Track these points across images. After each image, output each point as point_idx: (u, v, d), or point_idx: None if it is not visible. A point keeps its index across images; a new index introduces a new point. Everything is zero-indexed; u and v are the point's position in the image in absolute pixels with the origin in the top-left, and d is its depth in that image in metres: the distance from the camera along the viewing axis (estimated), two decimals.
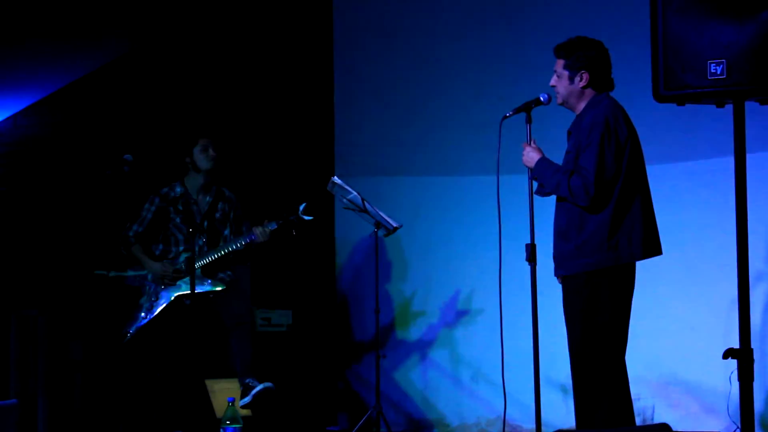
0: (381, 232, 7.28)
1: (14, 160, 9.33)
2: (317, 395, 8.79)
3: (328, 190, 7.27)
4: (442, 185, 8.56)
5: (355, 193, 7.15)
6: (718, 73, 5.93)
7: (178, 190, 7.72)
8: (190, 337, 7.56)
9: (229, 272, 7.66)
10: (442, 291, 8.54)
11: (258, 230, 7.38)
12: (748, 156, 6.22)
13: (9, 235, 9.38)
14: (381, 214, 7.17)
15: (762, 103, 6.25)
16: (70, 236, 8.97)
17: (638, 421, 6.93)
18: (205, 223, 7.65)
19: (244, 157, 8.98)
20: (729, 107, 6.24)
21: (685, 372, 7.53)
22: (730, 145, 6.26)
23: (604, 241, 5.71)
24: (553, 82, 5.98)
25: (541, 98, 6.06)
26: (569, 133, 5.93)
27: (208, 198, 7.70)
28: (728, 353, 6.19)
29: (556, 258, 5.91)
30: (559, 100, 5.99)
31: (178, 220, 7.67)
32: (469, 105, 8.43)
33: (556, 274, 5.93)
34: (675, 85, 6.02)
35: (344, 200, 7.22)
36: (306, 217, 7.20)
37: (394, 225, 7.18)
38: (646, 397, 7.53)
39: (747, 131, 6.12)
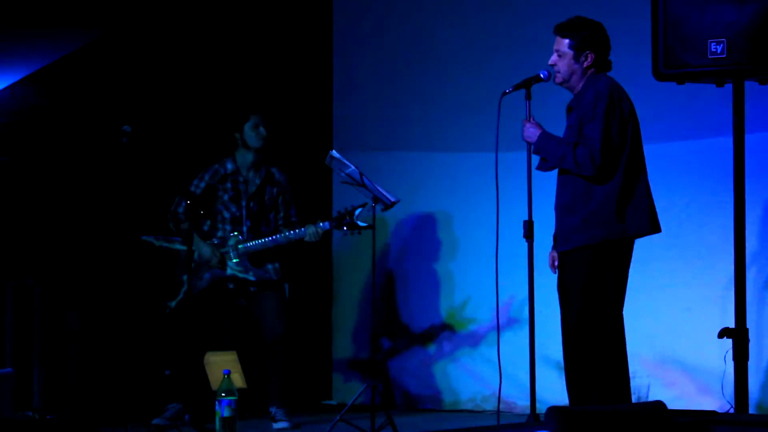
0: (379, 207, 7.27)
1: (13, 130, 9.31)
2: (314, 370, 8.81)
3: (326, 164, 7.25)
4: (440, 161, 8.55)
5: (353, 167, 7.13)
6: (719, 52, 5.94)
7: (228, 167, 7.63)
8: (218, 322, 7.58)
9: (277, 265, 7.59)
10: (438, 268, 8.54)
11: (310, 230, 7.34)
12: (747, 136, 6.23)
13: (6, 205, 9.37)
14: (379, 188, 7.16)
15: (762, 82, 6.27)
16: (68, 206, 8.96)
17: (633, 399, 6.95)
18: (252, 204, 7.58)
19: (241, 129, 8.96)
20: (728, 87, 6.25)
21: (681, 351, 7.54)
22: (729, 125, 6.28)
23: (612, 213, 5.71)
24: (553, 60, 5.97)
25: (542, 75, 6.06)
26: (570, 108, 5.93)
27: (257, 179, 7.61)
28: (723, 333, 6.23)
29: (560, 233, 5.89)
30: (559, 80, 5.98)
31: (226, 197, 7.60)
32: (469, 81, 8.41)
33: (559, 249, 5.90)
34: (675, 64, 6.04)
35: (342, 174, 7.20)
36: (361, 223, 7.18)
37: (392, 200, 7.16)
38: (641, 376, 7.54)
39: (746, 111, 6.13)
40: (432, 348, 8.54)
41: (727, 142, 6.32)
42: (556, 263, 6.02)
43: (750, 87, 6.25)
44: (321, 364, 8.91)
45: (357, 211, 7.16)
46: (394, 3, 8.83)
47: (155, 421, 7.46)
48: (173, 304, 7.67)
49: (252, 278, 7.50)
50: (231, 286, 7.55)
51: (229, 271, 7.52)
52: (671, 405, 4.44)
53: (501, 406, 6.56)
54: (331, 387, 8.86)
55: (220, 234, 7.60)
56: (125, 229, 8.59)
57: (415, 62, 8.68)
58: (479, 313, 8.30)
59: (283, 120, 8.07)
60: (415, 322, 8.62)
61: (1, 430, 5.71)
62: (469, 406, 8.31)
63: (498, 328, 6.45)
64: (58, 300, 8.48)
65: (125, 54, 9.00)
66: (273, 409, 7.46)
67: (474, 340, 8.35)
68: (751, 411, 6.36)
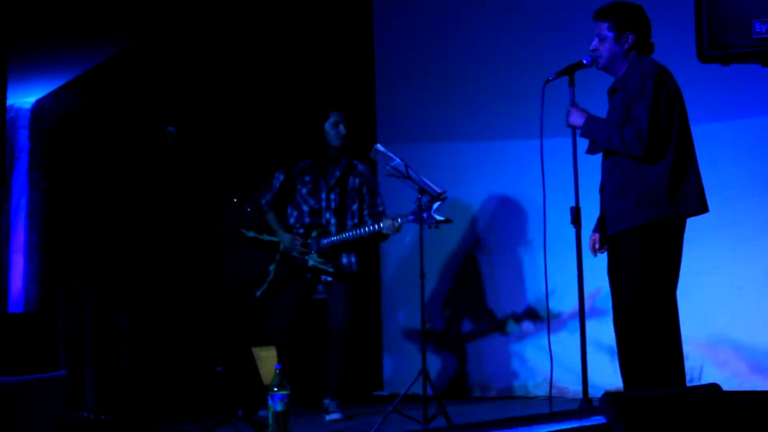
0: (425, 198, 7.28)
1: (59, 134, 9.38)
2: (364, 362, 8.83)
3: (371, 157, 7.27)
4: (484, 150, 8.55)
5: (398, 159, 7.13)
6: (764, 32, 5.91)
7: (307, 161, 7.70)
8: (296, 312, 7.61)
9: (353, 257, 7.62)
10: (486, 257, 8.55)
11: (387, 222, 7.35)
12: None
13: (54, 208, 9.44)
14: (425, 180, 7.16)
15: None
16: (116, 208, 9.02)
17: (686, 381, 6.94)
18: (333, 196, 7.63)
19: (287, 125, 8.99)
20: None
21: (733, 331, 7.52)
22: None
23: (664, 193, 5.69)
24: (594, 45, 5.97)
25: (584, 61, 6.05)
26: (613, 90, 5.90)
27: (337, 172, 7.66)
28: None
29: (610, 216, 5.87)
30: (601, 64, 5.97)
31: (304, 191, 7.65)
32: (511, 69, 8.42)
33: (611, 231, 5.88)
34: (719, 45, 6.02)
35: (388, 167, 7.20)
36: (438, 217, 7.16)
37: (438, 191, 7.17)
38: (694, 357, 7.51)
39: None
40: (482, 335, 8.54)
41: None
42: (597, 246, 6.02)
43: None
44: (372, 355, 8.92)
45: (435, 205, 7.14)
46: None
47: (261, 413, 7.46)
48: (258, 293, 7.69)
49: (331, 269, 7.52)
50: (309, 276, 7.58)
51: (310, 263, 7.55)
52: (724, 386, 4.41)
53: (553, 391, 6.56)
54: (382, 378, 8.87)
55: (299, 226, 7.64)
56: (174, 228, 8.65)
57: (457, 51, 8.68)
58: (530, 301, 8.31)
59: (328, 114, 8.07)
60: (463, 312, 8.63)
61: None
62: (519, 393, 8.31)
63: (548, 314, 6.46)
64: (109, 301, 8.54)
65: (165, 56, 9.05)
66: (327, 401, 7.49)
67: (525, 327, 8.35)
68: None
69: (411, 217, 7.22)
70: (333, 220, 7.59)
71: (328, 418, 7.42)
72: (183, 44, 9.05)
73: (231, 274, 8.29)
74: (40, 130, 9.58)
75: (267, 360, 7.81)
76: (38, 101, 9.50)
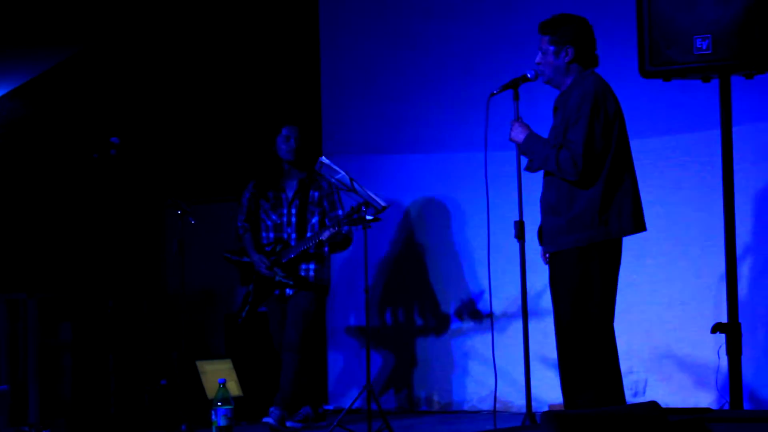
0: (370, 212, 7.27)
1: (1, 142, 9.30)
2: (310, 376, 8.79)
3: (316, 170, 7.26)
4: (429, 162, 8.54)
5: (343, 172, 7.13)
6: (704, 48, 5.93)
7: (267, 177, 7.71)
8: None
9: (312, 267, 7.59)
10: (430, 269, 8.54)
11: (326, 232, 7.32)
12: (734, 128, 6.23)
13: None
14: (369, 193, 7.15)
15: (748, 77, 6.26)
16: (58, 218, 8.95)
17: (630, 395, 6.96)
18: (293, 210, 7.61)
19: (231, 136, 8.96)
20: (714, 81, 6.25)
21: (677, 346, 7.54)
22: (716, 119, 6.27)
23: (596, 216, 5.70)
24: (538, 59, 5.97)
25: (528, 75, 6.06)
26: (555, 108, 5.92)
27: (294, 185, 7.65)
28: (717, 327, 6.21)
29: (546, 234, 5.89)
30: (545, 78, 5.97)
31: (267, 206, 7.68)
32: (457, 81, 8.41)
33: (545, 251, 5.91)
34: (661, 61, 6.04)
35: (332, 180, 7.21)
36: (368, 217, 7.08)
37: (383, 204, 7.16)
38: (638, 371, 7.55)
39: (732, 104, 6.13)
40: (428, 350, 8.53)
41: (715, 135, 6.31)
42: (548, 256, 6.04)
43: (735, 80, 6.25)
44: (317, 368, 8.89)
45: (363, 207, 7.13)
46: (381, 4, 8.81)
47: (290, 424, 7.41)
48: (243, 314, 7.69)
49: (291, 282, 7.52)
50: (277, 292, 7.60)
51: (276, 278, 7.54)
52: (668, 400, 4.44)
53: (498, 405, 6.55)
54: (326, 392, 8.84)
55: (265, 243, 7.65)
56: (118, 239, 8.59)
57: (403, 64, 8.67)
58: (474, 315, 8.30)
59: (272, 126, 8.05)
60: (408, 324, 8.61)
61: None
62: (465, 407, 8.30)
63: (492, 328, 6.46)
64: (52, 312, 8.47)
65: (110, 66, 8.99)
66: (271, 409, 7.42)
67: (470, 341, 8.34)
68: (744, 403, 6.35)
69: (343, 223, 7.21)
70: (294, 235, 7.61)
71: (265, 419, 7.36)
72: (128, 55, 9.00)
73: (175, 286, 8.24)
74: None
75: (211, 374, 7.77)
76: None
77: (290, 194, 7.65)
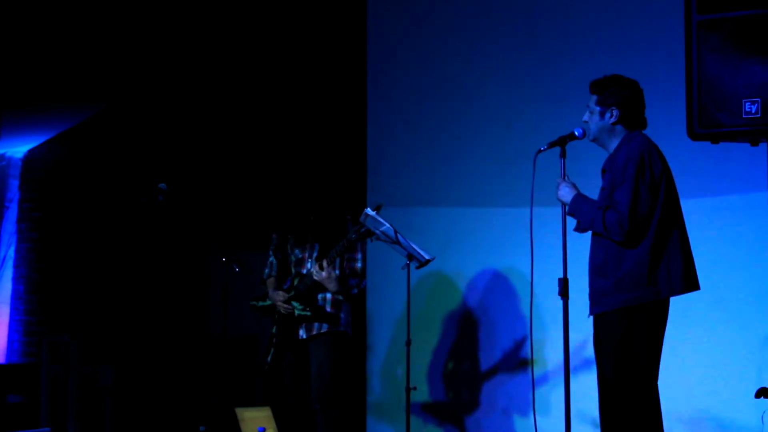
0: (413, 264, 7.28)
1: (49, 185, 9.38)
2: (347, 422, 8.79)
3: (360, 221, 7.26)
4: (474, 217, 8.55)
5: (387, 225, 7.14)
6: (753, 111, 5.93)
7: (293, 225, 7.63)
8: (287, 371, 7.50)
9: (329, 295, 7.36)
10: (472, 324, 8.53)
11: (317, 272, 7.23)
12: None
13: (43, 259, 9.42)
14: (414, 246, 7.17)
15: None
16: (104, 261, 9.01)
17: None
18: (316, 246, 7.45)
19: (278, 189, 9.00)
20: (763, 145, 6.26)
21: (717, 409, 7.48)
22: (764, 181, 6.26)
23: (644, 276, 5.68)
24: (586, 117, 5.99)
25: (576, 133, 6.05)
26: (603, 171, 5.93)
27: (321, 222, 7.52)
28: (760, 393, 6.18)
29: (592, 295, 5.87)
30: (591, 137, 5.98)
31: (292, 241, 7.54)
32: (503, 137, 8.43)
33: (592, 312, 5.89)
34: (709, 123, 6.04)
35: (377, 232, 7.22)
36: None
37: (427, 257, 7.17)
38: None
39: None
40: (467, 405, 8.50)
41: (762, 197, 6.30)
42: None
43: None
44: (355, 409, 8.86)
45: (372, 212, 7.07)
46: (430, 58, 8.86)
47: None
48: (269, 358, 7.48)
49: (308, 312, 7.31)
50: (302, 334, 7.38)
51: (296, 313, 7.36)
52: None
53: None
54: None
55: (290, 278, 7.56)
56: (162, 284, 8.63)
57: (449, 117, 8.70)
58: (516, 369, 8.27)
59: (318, 177, 8.10)
60: (451, 376, 8.60)
61: None
62: None
63: (533, 385, 6.42)
64: (93, 355, 8.52)
65: (162, 113, 9.08)
66: None
67: (509, 397, 8.31)
68: None
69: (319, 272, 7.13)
70: (313, 270, 7.39)
71: None
72: (181, 102, 9.08)
73: (217, 333, 8.26)
74: (31, 180, 9.59)
75: (250, 421, 7.78)
76: (30, 151, 9.52)
77: (315, 229, 7.51)
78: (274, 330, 7.50)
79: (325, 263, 7.22)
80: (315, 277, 7.23)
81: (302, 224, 7.55)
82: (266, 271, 7.65)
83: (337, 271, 7.29)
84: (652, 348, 5.73)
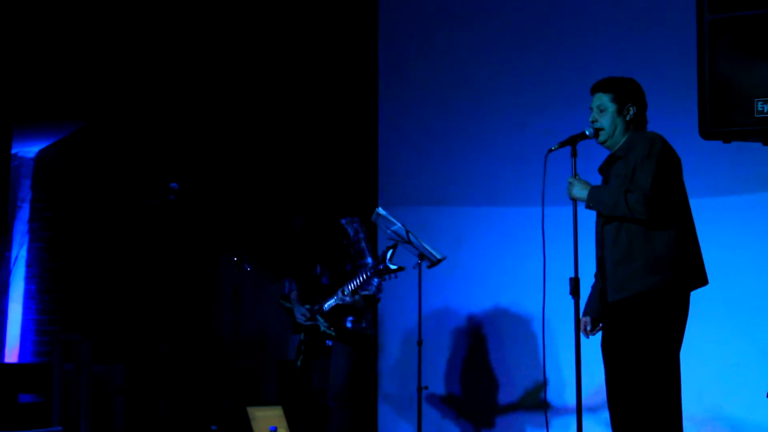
0: (425, 264, 7.28)
1: (61, 185, 9.40)
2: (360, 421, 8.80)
3: (372, 221, 7.27)
4: (485, 216, 8.55)
5: (399, 224, 7.15)
6: (765, 111, 5.93)
7: (297, 222, 7.58)
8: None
9: (350, 318, 7.39)
10: (484, 323, 8.53)
11: (353, 281, 7.14)
12: None
13: (54, 259, 9.44)
14: (425, 245, 7.18)
15: None
16: (116, 261, 9.02)
17: None
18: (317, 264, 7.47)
19: (289, 188, 9.00)
20: None
21: (730, 408, 7.48)
22: None
23: (673, 259, 5.65)
24: (593, 117, 5.97)
25: (587, 132, 6.04)
26: (613, 159, 5.89)
27: (322, 236, 7.47)
28: None
29: (615, 282, 5.80)
30: (603, 137, 5.95)
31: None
32: (515, 136, 8.44)
33: (613, 299, 5.81)
34: (721, 123, 6.03)
35: (388, 231, 7.22)
36: (392, 266, 6.88)
37: (438, 257, 7.18)
38: None
39: None
40: (476, 405, 8.51)
41: None
42: (589, 327, 6.00)
43: None
44: (367, 408, 8.87)
45: (388, 254, 6.93)
46: (441, 57, 8.87)
47: None
48: (299, 362, 7.47)
49: (332, 332, 7.28)
50: (329, 343, 7.39)
51: (321, 328, 7.32)
52: None
53: None
54: None
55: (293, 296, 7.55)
56: (173, 284, 8.65)
57: (461, 117, 8.71)
58: (527, 366, 8.28)
59: (329, 176, 8.11)
60: (462, 374, 8.60)
61: None
62: None
63: (545, 383, 6.43)
64: (105, 354, 8.53)
65: (174, 113, 9.09)
66: None
67: (522, 390, 8.31)
68: None
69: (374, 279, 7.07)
70: (328, 283, 7.41)
71: None
72: (193, 104, 9.10)
73: (228, 332, 8.28)
74: (43, 180, 9.61)
75: (261, 420, 7.79)
76: (42, 151, 9.54)
77: (320, 245, 7.47)
78: (302, 336, 7.46)
79: (349, 289, 7.14)
80: (339, 303, 7.20)
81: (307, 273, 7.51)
82: (285, 285, 7.62)
83: (356, 281, 7.20)
84: (677, 334, 5.68)
